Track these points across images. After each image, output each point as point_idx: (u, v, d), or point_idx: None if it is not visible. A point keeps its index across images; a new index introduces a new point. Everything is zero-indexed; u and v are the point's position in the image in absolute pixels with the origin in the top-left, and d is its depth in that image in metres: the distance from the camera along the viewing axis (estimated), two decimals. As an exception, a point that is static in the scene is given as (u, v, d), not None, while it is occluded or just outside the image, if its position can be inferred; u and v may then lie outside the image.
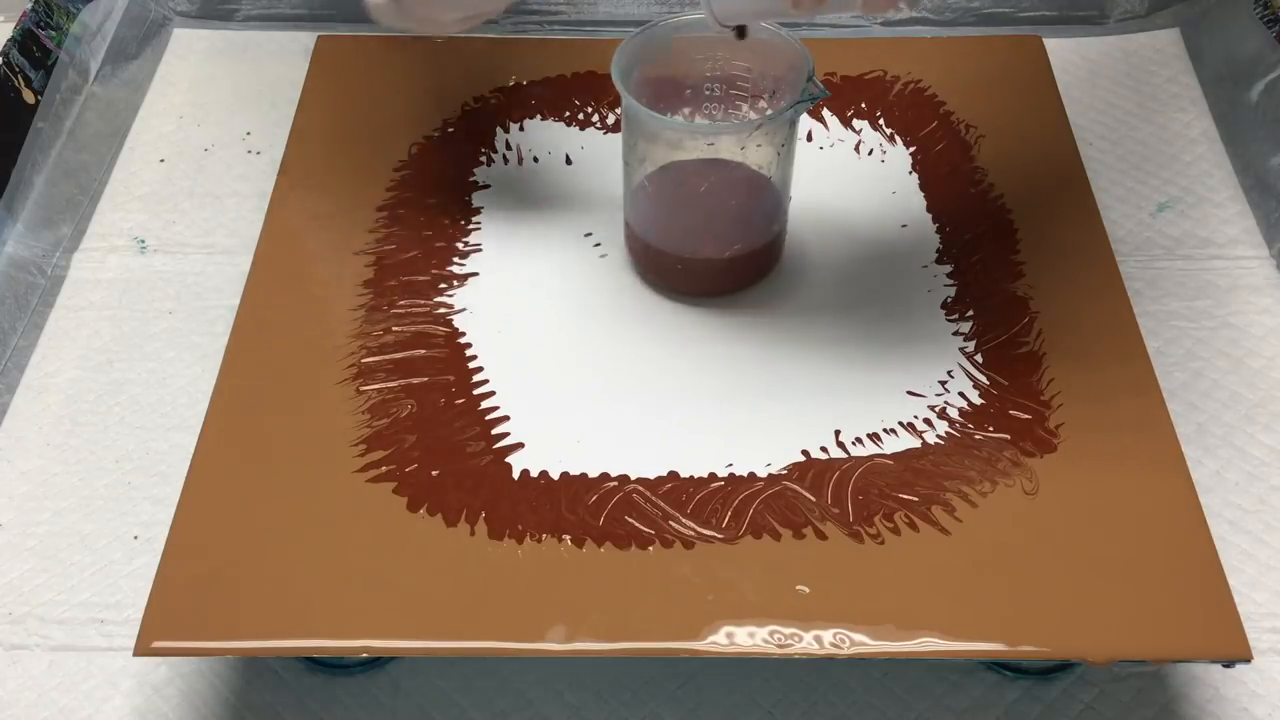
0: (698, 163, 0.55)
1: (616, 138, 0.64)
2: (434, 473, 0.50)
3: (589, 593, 0.46)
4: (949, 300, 0.57)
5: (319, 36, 0.70)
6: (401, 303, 0.56)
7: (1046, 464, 0.50)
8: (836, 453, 0.51)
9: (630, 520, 0.48)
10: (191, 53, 0.81)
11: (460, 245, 0.59)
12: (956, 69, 0.67)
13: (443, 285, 0.57)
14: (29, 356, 0.64)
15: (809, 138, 0.64)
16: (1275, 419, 0.60)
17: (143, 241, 0.70)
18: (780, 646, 0.44)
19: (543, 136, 0.65)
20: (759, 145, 0.54)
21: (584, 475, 0.50)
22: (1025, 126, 0.64)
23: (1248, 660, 0.44)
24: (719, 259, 0.56)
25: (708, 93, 0.57)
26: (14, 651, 0.53)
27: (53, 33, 0.73)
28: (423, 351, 0.54)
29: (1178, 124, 0.75)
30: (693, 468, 0.50)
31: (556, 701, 0.52)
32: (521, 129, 0.65)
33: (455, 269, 0.58)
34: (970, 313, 0.56)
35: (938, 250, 0.59)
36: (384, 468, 0.50)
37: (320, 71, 0.68)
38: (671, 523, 0.48)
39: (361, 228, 0.59)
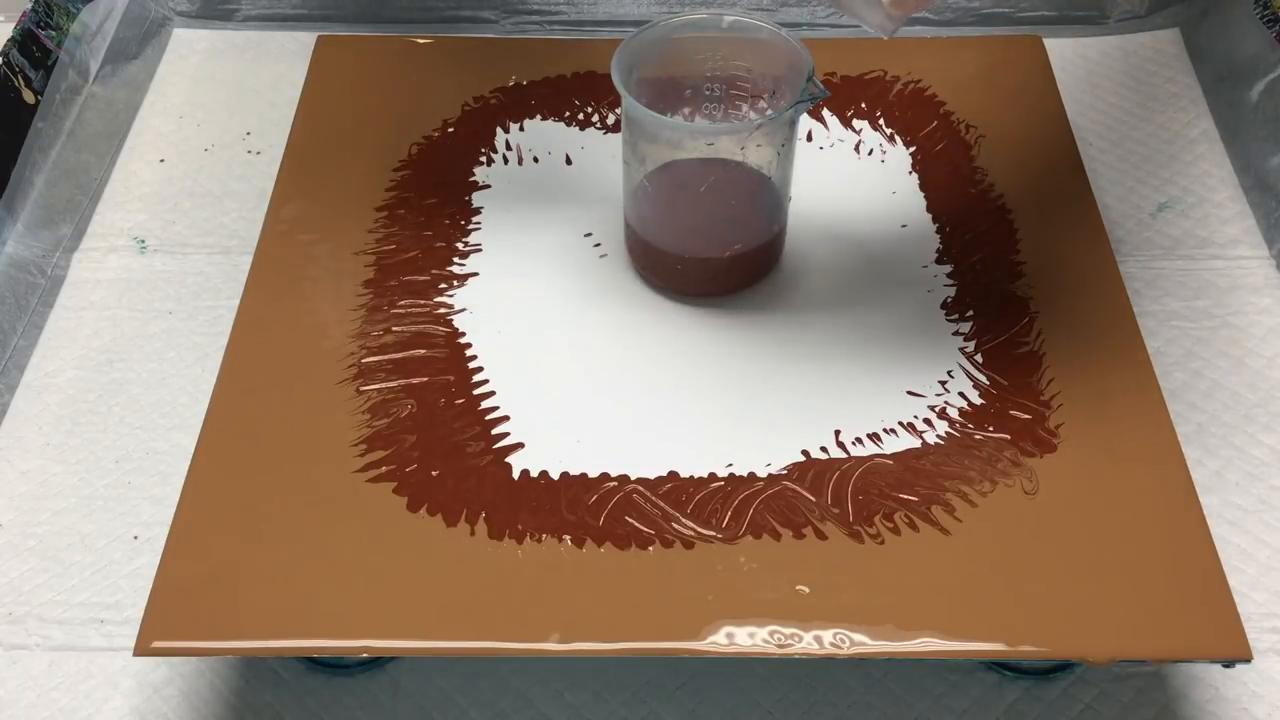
0: (698, 163, 0.55)
1: (616, 138, 0.64)
2: (434, 473, 0.50)
3: (589, 593, 0.46)
4: (949, 300, 0.57)
5: (319, 36, 0.70)
6: (401, 303, 0.56)
7: (1046, 464, 0.50)
8: (836, 453, 0.51)
9: (630, 520, 0.48)
10: (191, 53, 0.81)
11: (460, 245, 0.59)
12: (956, 69, 0.67)
13: (443, 285, 0.57)
14: (29, 356, 0.64)
15: (809, 138, 0.64)
16: (1275, 419, 0.60)
17: (143, 241, 0.70)
18: (780, 646, 0.44)
19: (543, 136, 0.65)
20: (759, 145, 0.54)
21: (584, 475, 0.50)
22: (1025, 126, 0.64)
23: (1248, 660, 0.44)
24: (719, 259, 0.56)
25: (708, 93, 0.57)
26: (14, 651, 0.53)
27: (53, 33, 0.73)
28: (423, 351, 0.54)
29: (1178, 124, 0.75)
30: (693, 468, 0.50)
31: (556, 701, 0.52)
32: (521, 129, 0.65)
33: (455, 269, 0.58)
34: (970, 313, 0.56)
35: (938, 250, 0.59)
36: (384, 468, 0.50)
37: (320, 71, 0.68)
38: (672, 523, 0.48)
39: (361, 228, 0.59)
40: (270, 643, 0.45)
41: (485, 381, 0.54)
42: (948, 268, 0.58)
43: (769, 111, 0.56)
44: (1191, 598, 0.46)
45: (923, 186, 0.62)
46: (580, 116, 0.66)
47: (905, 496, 0.49)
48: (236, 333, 0.55)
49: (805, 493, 0.49)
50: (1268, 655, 0.52)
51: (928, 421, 0.52)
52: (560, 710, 0.51)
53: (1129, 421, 0.51)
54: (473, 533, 0.48)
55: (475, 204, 0.61)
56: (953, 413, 0.52)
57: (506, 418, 0.52)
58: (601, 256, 0.59)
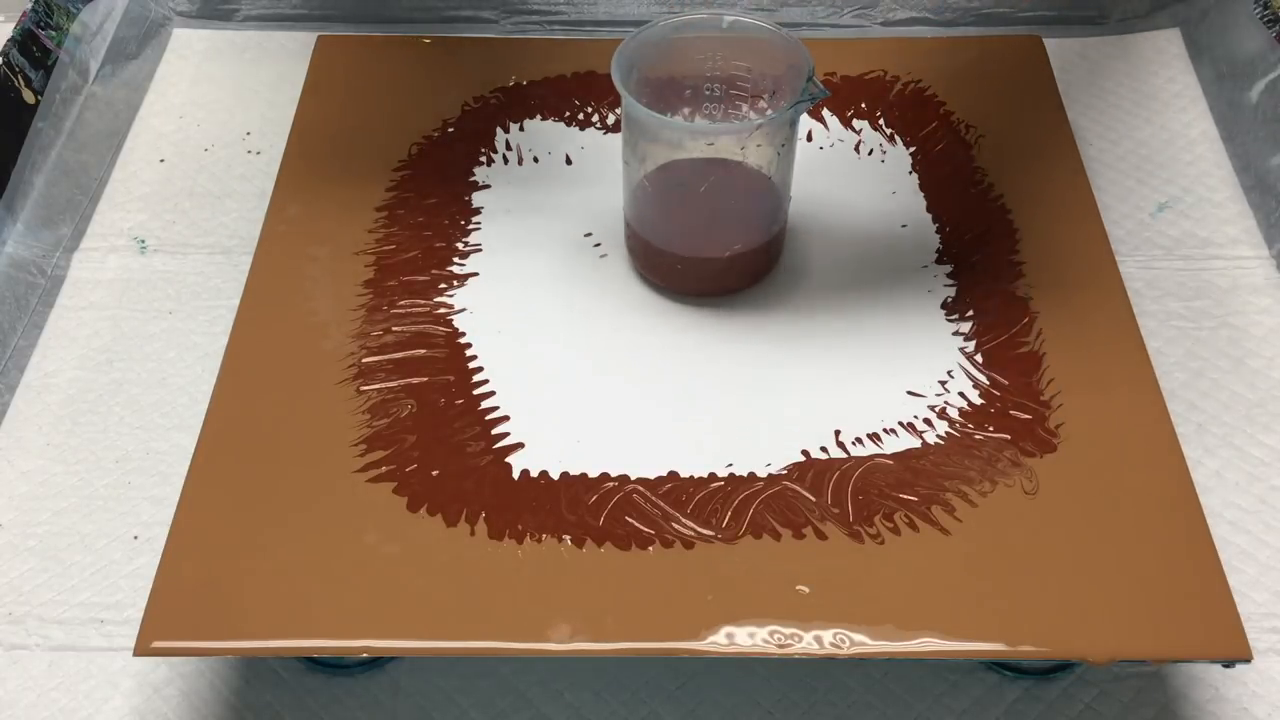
0: (698, 162, 0.55)
1: (616, 138, 0.64)
2: (434, 473, 0.50)
3: (589, 593, 0.46)
4: (949, 300, 0.57)
5: (319, 36, 0.70)
6: (401, 303, 0.56)
7: (1046, 464, 0.50)
8: (836, 453, 0.51)
9: (630, 520, 0.48)
10: (191, 53, 0.81)
11: (460, 245, 0.59)
12: (956, 69, 0.67)
13: (443, 285, 0.57)
14: (29, 356, 0.64)
15: (809, 138, 0.64)
16: (1275, 419, 0.60)
17: (143, 241, 0.70)
18: (780, 646, 0.44)
19: (543, 136, 0.65)
20: (759, 145, 0.54)
21: (584, 475, 0.50)
22: (1025, 126, 0.64)
23: (1248, 660, 0.44)
24: (719, 259, 0.56)
25: (708, 93, 0.57)
26: (14, 651, 0.53)
27: (53, 33, 0.73)
28: (423, 351, 0.54)
29: (1178, 124, 0.75)
30: (693, 468, 0.50)
31: (556, 701, 0.52)
32: (521, 129, 0.65)
33: (455, 269, 0.58)
34: (970, 313, 0.56)
35: (938, 250, 0.59)
36: (384, 468, 0.50)
37: (320, 71, 0.68)
38: (672, 523, 0.48)
39: (361, 228, 0.59)
40: (270, 643, 0.45)
41: (485, 381, 0.54)
42: (948, 268, 0.58)
43: (769, 111, 0.56)
44: (1191, 598, 0.46)
45: (923, 186, 0.62)
46: (580, 116, 0.66)
47: (905, 496, 0.49)
48: (236, 333, 0.55)
49: (805, 493, 0.49)
50: (1268, 655, 0.52)
51: (928, 421, 0.52)
52: (560, 710, 0.51)
53: (1129, 421, 0.51)
54: (473, 533, 0.48)
55: (475, 204, 0.61)
56: (953, 413, 0.52)
57: (506, 418, 0.52)
58: (601, 256, 0.59)
